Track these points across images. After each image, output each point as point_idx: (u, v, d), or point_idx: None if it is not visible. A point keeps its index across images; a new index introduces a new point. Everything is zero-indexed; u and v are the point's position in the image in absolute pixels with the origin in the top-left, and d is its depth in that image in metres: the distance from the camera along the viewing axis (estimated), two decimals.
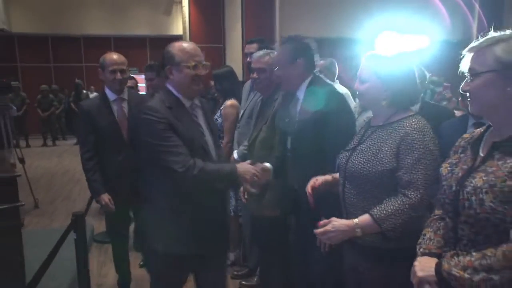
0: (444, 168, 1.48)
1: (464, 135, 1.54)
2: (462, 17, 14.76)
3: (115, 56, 3.09)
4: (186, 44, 2.20)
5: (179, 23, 14.60)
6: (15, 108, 10.30)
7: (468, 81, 1.36)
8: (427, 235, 1.51)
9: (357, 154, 1.86)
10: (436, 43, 13.33)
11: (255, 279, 3.52)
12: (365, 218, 1.73)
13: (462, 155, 1.46)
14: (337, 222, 1.75)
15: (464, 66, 1.38)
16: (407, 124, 1.76)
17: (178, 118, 2.12)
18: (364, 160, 1.80)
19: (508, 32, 1.32)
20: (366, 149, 1.83)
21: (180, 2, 14.20)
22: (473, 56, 1.36)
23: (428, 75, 2.84)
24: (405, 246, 1.65)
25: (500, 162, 1.28)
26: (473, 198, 1.28)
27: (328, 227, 1.75)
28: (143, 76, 4.55)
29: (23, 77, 14.17)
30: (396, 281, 1.70)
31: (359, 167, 1.81)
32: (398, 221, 1.68)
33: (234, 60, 11.93)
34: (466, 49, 1.38)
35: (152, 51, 15.03)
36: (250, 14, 13.83)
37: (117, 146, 3.01)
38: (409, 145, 1.71)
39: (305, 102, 2.44)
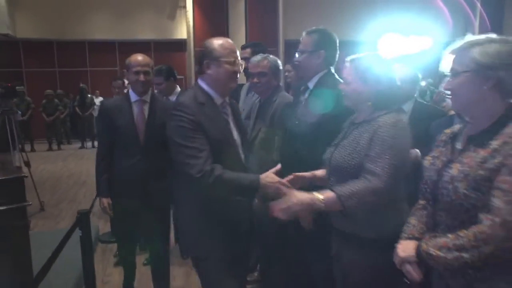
0: (427, 161, 1.60)
1: (446, 131, 1.65)
2: (464, 18, 14.84)
3: (140, 57, 3.01)
4: (225, 40, 2.17)
5: (183, 27, 14.74)
6: (20, 112, 10.45)
7: (450, 80, 1.48)
8: (411, 222, 1.62)
9: (339, 149, 1.95)
10: (439, 44, 13.41)
11: (256, 274, 3.59)
12: (329, 194, 1.78)
13: (443, 148, 1.58)
14: (300, 195, 1.80)
15: (446, 66, 1.50)
16: (382, 120, 1.84)
17: (209, 116, 2.08)
18: (345, 154, 1.89)
19: (484, 36, 1.45)
20: (347, 144, 1.92)
21: (184, 7, 14.36)
22: (454, 57, 1.48)
23: (420, 76, 2.92)
24: (384, 236, 1.74)
25: (473, 154, 1.41)
26: (450, 186, 1.41)
27: (294, 200, 1.79)
28: None
29: (28, 82, 14.28)
30: (377, 269, 1.79)
31: (340, 160, 1.90)
32: (360, 202, 1.74)
33: None
34: (447, 51, 1.50)
35: (157, 55, 15.13)
36: (254, 18, 13.97)
37: (131, 148, 2.96)
38: (379, 137, 1.79)
39: (310, 102, 2.46)
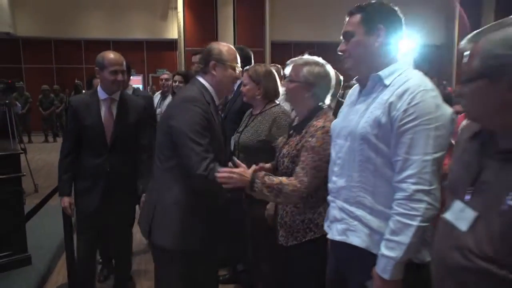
0: (281, 142, 2.23)
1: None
2: (445, 22, 15.58)
3: (114, 55, 2.88)
4: (230, 47, 2.26)
5: (175, 27, 15.39)
6: (19, 105, 11.13)
7: (287, 83, 2.11)
8: None
9: (244, 133, 2.75)
10: (422, 47, 14.07)
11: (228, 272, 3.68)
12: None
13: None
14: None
15: (287, 72, 2.13)
16: (275, 110, 2.68)
17: (213, 116, 2.15)
18: (248, 135, 2.71)
19: (314, 58, 2.10)
20: (250, 129, 2.73)
21: (176, 8, 15.00)
22: (292, 67, 2.10)
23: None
24: None
25: (294, 138, 2.08)
26: (281, 160, 2.09)
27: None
28: (138, 77, 4.63)
29: (27, 78, 15.04)
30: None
31: (246, 141, 2.71)
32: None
33: None
34: (290, 61, 2.13)
35: (149, 54, 15.88)
36: (242, 19, 14.63)
37: (98, 147, 2.87)
38: (279, 123, 2.61)
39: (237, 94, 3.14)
